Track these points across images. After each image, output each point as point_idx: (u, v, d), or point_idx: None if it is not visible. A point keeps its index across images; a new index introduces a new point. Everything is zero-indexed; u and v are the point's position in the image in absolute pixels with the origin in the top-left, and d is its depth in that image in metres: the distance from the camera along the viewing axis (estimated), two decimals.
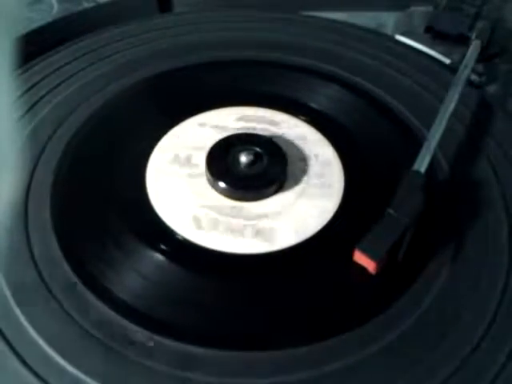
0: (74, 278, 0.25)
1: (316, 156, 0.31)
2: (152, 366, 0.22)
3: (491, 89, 0.39)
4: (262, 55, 0.37)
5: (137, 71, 0.36)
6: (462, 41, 0.39)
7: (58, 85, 0.35)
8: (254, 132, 0.32)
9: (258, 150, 0.30)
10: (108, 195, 0.29)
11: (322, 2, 0.45)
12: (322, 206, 0.29)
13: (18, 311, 0.24)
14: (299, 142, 0.32)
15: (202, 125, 0.33)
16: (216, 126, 0.33)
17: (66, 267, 0.25)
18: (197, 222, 0.28)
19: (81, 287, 0.25)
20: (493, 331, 0.24)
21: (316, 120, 0.33)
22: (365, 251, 0.25)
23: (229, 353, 0.23)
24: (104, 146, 0.32)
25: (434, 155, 0.29)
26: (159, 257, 0.26)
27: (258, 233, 0.27)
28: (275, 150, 0.30)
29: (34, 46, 0.37)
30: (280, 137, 0.32)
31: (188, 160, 0.31)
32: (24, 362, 0.22)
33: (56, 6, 0.42)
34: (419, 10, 0.44)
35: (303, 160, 0.31)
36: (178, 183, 0.30)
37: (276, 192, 0.29)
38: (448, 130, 0.30)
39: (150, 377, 0.22)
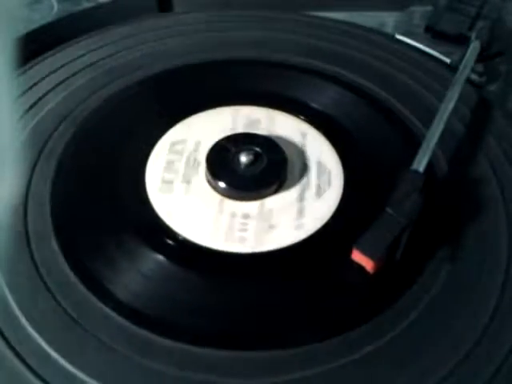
0: (74, 278, 0.25)
1: (315, 156, 0.31)
2: (151, 365, 0.22)
3: (491, 89, 0.39)
4: (262, 55, 0.37)
5: (137, 71, 0.36)
6: (462, 41, 0.39)
7: (58, 85, 0.35)
8: (254, 132, 0.32)
9: (257, 150, 0.30)
10: (109, 194, 0.29)
11: (322, 2, 0.45)
12: (322, 206, 0.29)
13: (17, 310, 0.24)
14: (299, 142, 0.32)
15: (200, 125, 0.33)
16: (215, 125, 0.33)
17: (66, 266, 0.25)
18: (195, 220, 0.28)
19: (80, 286, 0.25)
20: (492, 330, 0.24)
21: (316, 120, 0.33)
22: (363, 250, 0.25)
23: (228, 352, 0.23)
24: (104, 145, 0.32)
25: (433, 154, 0.29)
26: (160, 257, 0.26)
27: (257, 232, 0.27)
28: (275, 150, 0.30)
29: (34, 46, 0.37)
30: (280, 137, 0.32)
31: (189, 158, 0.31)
32: (22, 361, 0.22)
33: (56, 6, 0.42)
34: (419, 9, 0.44)
35: (303, 160, 0.31)
36: (179, 182, 0.30)
37: (276, 192, 0.29)
38: (447, 130, 0.30)
39: (149, 376, 0.22)
